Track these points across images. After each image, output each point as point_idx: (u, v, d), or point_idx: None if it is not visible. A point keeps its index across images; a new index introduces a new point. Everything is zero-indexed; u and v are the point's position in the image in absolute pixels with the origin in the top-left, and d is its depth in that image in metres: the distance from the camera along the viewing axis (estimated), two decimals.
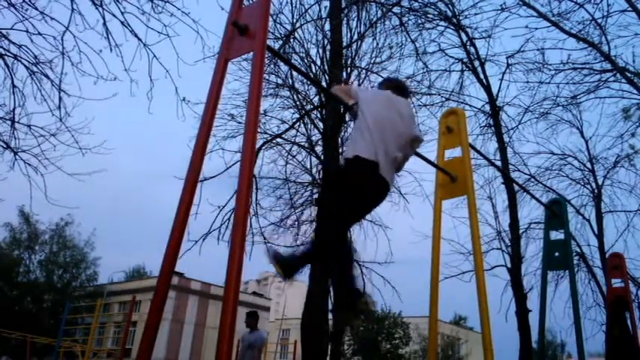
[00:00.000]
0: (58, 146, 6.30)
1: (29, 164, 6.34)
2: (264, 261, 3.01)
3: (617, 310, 7.34)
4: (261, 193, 10.33)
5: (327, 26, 9.54)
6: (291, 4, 9.56)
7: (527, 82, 11.17)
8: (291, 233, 10.24)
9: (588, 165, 13.35)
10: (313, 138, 10.26)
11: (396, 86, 3.69)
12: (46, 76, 6.15)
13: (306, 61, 9.48)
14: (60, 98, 6.19)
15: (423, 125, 10.56)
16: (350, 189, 3.01)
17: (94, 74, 6.07)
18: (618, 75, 9.53)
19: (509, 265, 11.03)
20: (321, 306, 8.50)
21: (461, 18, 10.69)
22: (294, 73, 9.56)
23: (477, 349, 34.35)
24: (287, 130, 10.08)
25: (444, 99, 11.14)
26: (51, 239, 34.64)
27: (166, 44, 6.42)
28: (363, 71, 9.96)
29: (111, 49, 6.02)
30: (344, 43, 9.54)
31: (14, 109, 6.20)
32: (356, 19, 9.72)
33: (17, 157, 6.33)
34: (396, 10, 9.89)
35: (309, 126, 10.25)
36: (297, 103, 10.13)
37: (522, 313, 10.04)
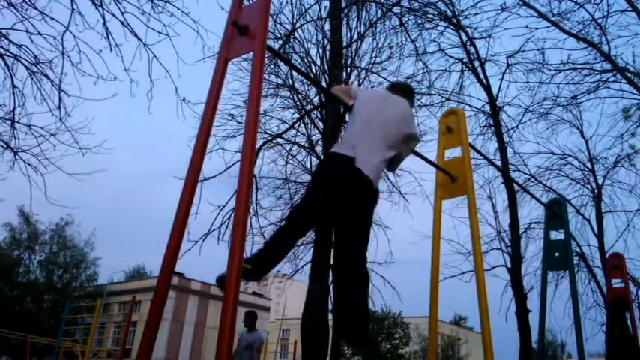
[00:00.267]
0: (58, 146, 6.31)
1: (29, 164, 6.35)
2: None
3: (617, 310, 7.34)
4: (261, 193, 10.34)
5: (327, 26, 9.54)
6: (291, 4, 9.57)
7: (527, 82, 11.19)
8: None
9: (588, 165, 13.37)
10: (313, 138, 10.27)
11: (399, 87, 3.71)
12: (46, 76, 6.16)
13: (306, 61, 9.48)
14: (60, 98, 6.20)
15: (422, 125, 10.58)
16: (313, 179, 3.10)
17: (94, 74, 6.08)
18: (618, 75, 9.53)
19: (509, 265, 11.03)
20: (321, 306, 8.50)
21: (461, 18, 10.70)
22: (294, 73, 9.57)
23: (476, 349, 34.35)
24: (287, 130, 10.08)
25: (444, 99, 11.17)
26: (51, 239, 34.68)
27: (166, 44, 6.43)
28: (363, 71, 9.97)
29: (111, 49, 6.03)
30: (344, 43, 9.54)
31: (14, 109, 6.21)
32: (356, 19, 9.73)
33: (17, 157, 6.34)
34: (396, 10, 9.90)
35: (309, 126, 10.26)
36: (297, 103, 10.13)
37: (522, 313, 10.04)
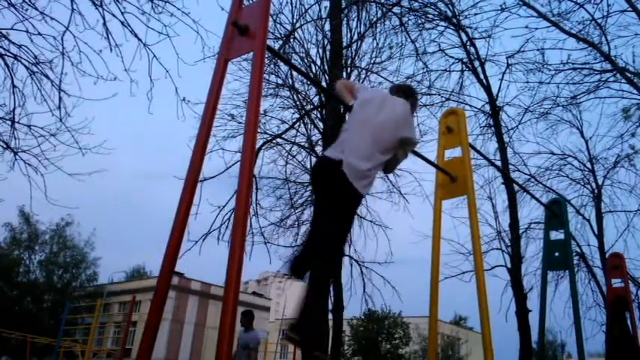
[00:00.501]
0: (58, 146, 6.29)
1: (29, 164, 6.34)
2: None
3: (617, 310, 7.34)
4: (261, 193, 10.34)
5: (327, 26, 9.54)
6: (291, 4, 9.57)
7: (527, 82, 11.17)
8: (291, 233, 10.26)
9: (588, 165, 13.36)
10: (313, 138, 10.27)
11: (400, 89, 3.71)
12: (46, 76, 6.15)
13: (306, 61, 9.48)
14: (60, 98, 6.19)
15: (422, 125, 10.59)
16: (310, 182, 3.21)
17: (94, 74, 6.07)
18: (618, 75, 9.53)
19: (509, 265, 11.02)
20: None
21: (461, 18, 10.69)
22: (294, 73, 9.57)
23: (477, 349, 34.35)
24: (287, 130, 10.08)
25: (444, 99, 11.16)
26: (51, 239, 34.64)
27: (166, 44, 6.42)
28: (363, 71, 9.97)
29: (111, 49, 6.03)
30: (344, 43, 9.54)
31: (14, 109, 6.20)
32: (356, 19, 9.73)
33: (17, 157, 6.32)
34: (396, 10, 9.90)
35: (309, 126, 10.26)
36: (297, 103, 10.13)
37: (522, 313, 10.03)
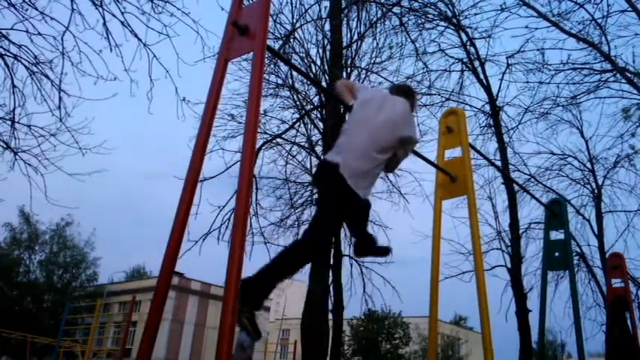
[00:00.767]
0: (58, 146, 6.29)
1: (29, 164, 6.34)
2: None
3: (617, 310, 7.34)
4: (261, 193, 10.36)
5: (327, 26, 9.55)
6: (291, 4, 9.58)
7: (527, 82, 11.18)
8: (291, 233, 10.27)
9: (588, 165, 13.36)
10: (313, 138, 10.28)
11: (400, 89, 3.71)
12: (46, 76, 6.15)
13: (306, 61, 9.49)
14: (60, 98, 6.19)
15: (422, 125, 10.59)
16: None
17: (94, 74, 6.06)
18: (618, 75, 9.53)
19: (509, 265, 11.03)
20: (321, 306, 8.51)
21: (461, 18, 10.70)
22: (294, 73, 9.58)
23: (477, 349, 34.35)
24: (287, 130, 10.09)
25: (444, 99, 11.17)
26: (51, 239, 34.67)
27: (166, 44, 6.41)
28: (363, 71, 9.97)
29: (111, 49, 6.02)
30: (344, 43, 9.55)
31: (14, 109, 6.20)
32: (356, 19, 9.75)
33: (17, 157, 6.33)
34: (396, 10, 9.91)
35: (309, 126, 10.27)
36: (297, 103, 10.14)
37: (522, 313, 10.04)
